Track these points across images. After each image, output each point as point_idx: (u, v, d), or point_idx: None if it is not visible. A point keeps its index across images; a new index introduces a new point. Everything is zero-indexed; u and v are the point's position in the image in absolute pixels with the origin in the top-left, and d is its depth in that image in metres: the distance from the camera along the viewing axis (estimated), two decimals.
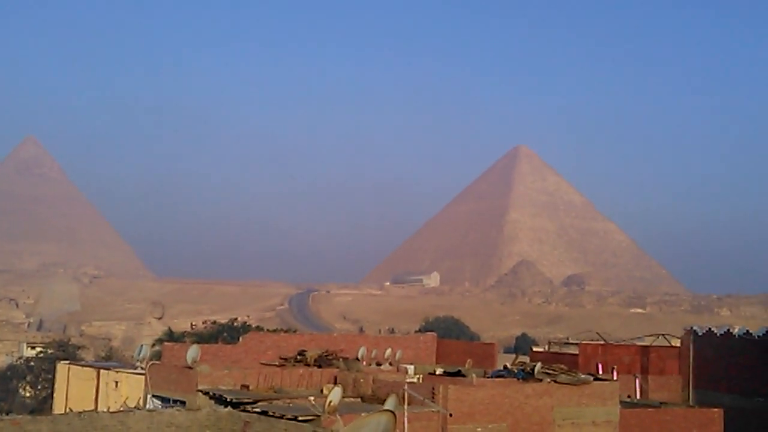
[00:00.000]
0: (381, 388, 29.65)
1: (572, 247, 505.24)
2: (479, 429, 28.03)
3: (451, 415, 27.35)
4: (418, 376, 37.47)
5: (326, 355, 38.58)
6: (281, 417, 23.00)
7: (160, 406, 30.60)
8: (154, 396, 32.28)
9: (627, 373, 42.55)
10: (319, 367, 36.14)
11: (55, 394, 47.55)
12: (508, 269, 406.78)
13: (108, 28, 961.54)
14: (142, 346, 36.11)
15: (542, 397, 29.96)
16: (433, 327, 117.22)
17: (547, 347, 54.29)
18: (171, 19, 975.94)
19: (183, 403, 30.08)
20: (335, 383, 31.04)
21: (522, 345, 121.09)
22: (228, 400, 27.74)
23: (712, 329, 43.34)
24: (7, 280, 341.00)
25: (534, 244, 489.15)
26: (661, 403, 37.10)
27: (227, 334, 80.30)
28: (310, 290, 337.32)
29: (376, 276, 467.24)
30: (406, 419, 24.92)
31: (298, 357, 38.82)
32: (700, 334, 43.21)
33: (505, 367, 36.54)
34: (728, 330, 42.78)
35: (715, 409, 34.01)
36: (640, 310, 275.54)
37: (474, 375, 32.95)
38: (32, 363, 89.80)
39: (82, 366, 47.44)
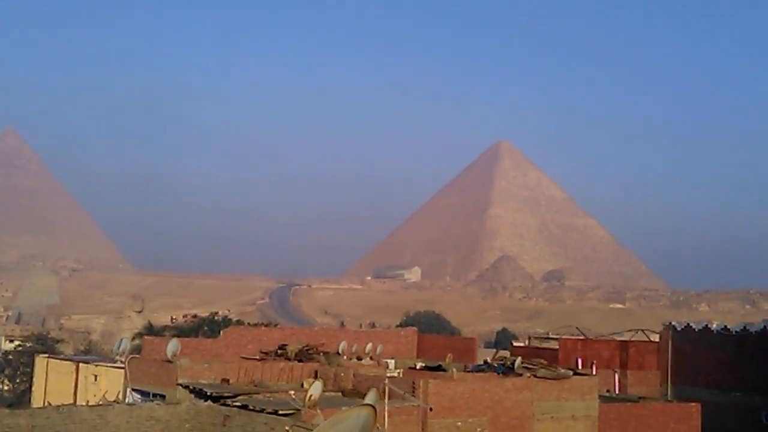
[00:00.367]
0: (361, 383, 29.67)
1: (553, 242, 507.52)
2: (459, 423, 28.11)
3: (431, 409, 27.42)
4: (398, 370, 37.57)
5: (307, 350, 38.55)
6: (261, 411, 22.97)
7: (139, 400, 30.49)
8: (133, 390, 32.14)
9: (606, 367, 42.85)
10: (300, 361, 36.12)
11: (33, 388, 47.23)
12: (489, 264, 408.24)
13: (88, 20, 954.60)
14: (121, 339, 35.97)
15: (522, 391, 30.09)
16: (413, 321, 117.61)
17: (527, 342, 54.63)
18: (152, 11, 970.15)
19: (163, 397, 29.98)
20: (316, 377, 31.02)
21: (502, 339, 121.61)
22: (208, 394, 27.67)
23: (691, 324, 43.67)
24: None
25: (515, 239, 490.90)
26: (639, 397, 37.38)
27: (207, 327, 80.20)
28: (291, 284, 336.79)
29: (357, 270, 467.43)
30: (386, 413, 24.95)
31: (279, 351, 38.78)
32: (678, 329, 43.54)
33: (485, 361, 36.67)
34: (706, 325, 43.13)
35: (693, 404, 34.26)
36: (619, 306, 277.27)
37: (454, 369, 33.03)
38: (10, 356, 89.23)
39: (61, 359, 47.16)
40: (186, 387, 29.62)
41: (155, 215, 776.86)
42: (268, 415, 22.22)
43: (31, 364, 53.32)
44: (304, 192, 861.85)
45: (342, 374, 31.56)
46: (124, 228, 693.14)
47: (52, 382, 43.59)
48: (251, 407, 23.91)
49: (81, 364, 42.30)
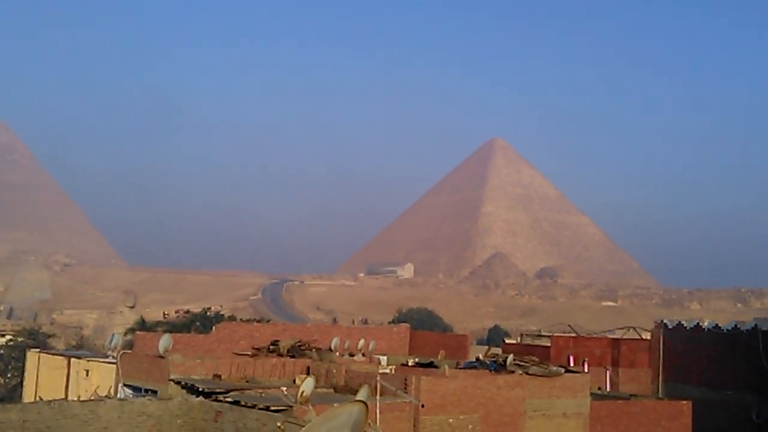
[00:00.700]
0: (354, 379, 29.68)
1: (546, 240, 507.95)
2: (451, 420, 28.14)
3: (423, 405, 27.44)
4: (390, 367, 37.55)
5: (299, 346, 38.55)
6: (253, 407, 22.96)
7: (131, 396, 30.45)
8: (125, 385, 32.10)
9: (598, 365, 42.94)
10: (292, 357, 36.10)
11: (24, 383, 47.11)
12: (481, 261, 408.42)
13: (82, 14, 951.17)
14: (113, 334, 35.91)
15: (514, 388, 30.13)
16: (406, 318, 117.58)
17: (519, 339, 54.61)
18: (149, 7, 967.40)
19: (155, 392, 29.94)
20: (308, 374, 31.01)
21: (494, 337, 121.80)
22: (200, 389, 27.64)
23: (682, 323, 43.78)
24: None
25: (508, 237, 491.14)
26: (631, 395, 37.45)
27: (200, 323, 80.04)
28: (284, 280, 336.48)
29: (350, 267, 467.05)
30: (378, 410, 24.96)
31: (271, 347, 38.76)
32: (670, 327, 43.64)
33: (477, 358, 36.75)
34: (698, 323, 43.24)
35: (684, 402, 34.37)
36: (611, 303, 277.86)
37: (446, 366, 33.08)
38: (2, 351, 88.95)
39: (53, 354, 47.01)
40: (178, 382, 29.58)
41: (148, 211, 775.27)
42: (260, 411, 22.22)
43: (23, 359, 53.17)
44: (298, 188, 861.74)
45: (334, 370, 31.56)
46: (116, 223, 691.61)
47: (44, 377, 43.49)
48: (243, 403, 23.89)
49: (72, 359, 42.19)
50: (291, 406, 23.28)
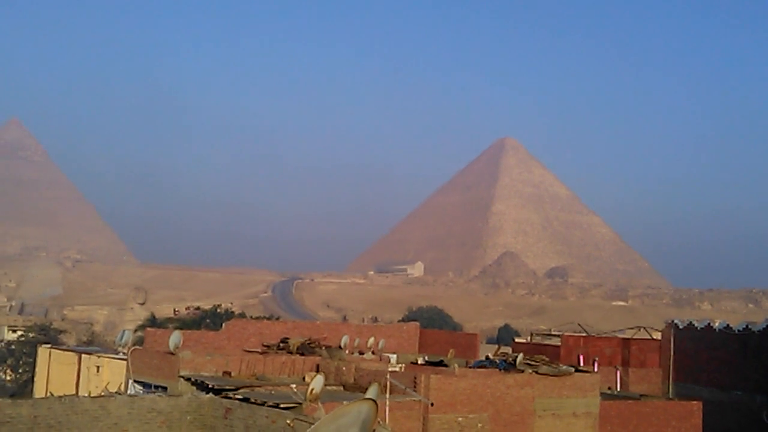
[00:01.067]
0: (363, 377, 29.70)
1: (556, 240, 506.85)
2: (460, 418, 28.13)
3: (432, 404, 27.44)
4: (400, 365, 37.58)
5: (309, 343, 38.61)
6: (263, 404, 22.99)
7: (141, 392, 30.56)
8: (135, 381, 32.22)
9: (608, 365, 42.85)
10: (302, 354, 36.16)
11: (36, 378, 47.36)
12: (492, 260, 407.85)
13: (92, 12, 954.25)
14: (124, 331, 36.02)
15: (523, 387, 30.10)
16: (416, 317, 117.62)
17: (529, 338, 54.53)
18: (155, 5, 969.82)
19: (164, 388, 30.04)
20: (317, 371, 31.06)
21: (504, 336, 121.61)
22: (210, 386, 27.71)
23: (693, 323, 43.65)
24: None
25: (518, 236, 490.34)
26: (641, 395, 37.38)
27: (210, 320, 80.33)
28: (294, 278, 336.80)
29: (360, 265, 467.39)
30: (387, 408, 24.97)
31: (281, 344, 38.84)
32: (680, 327, 43.52)
33: (487, 357, 36.70)
34: (709, 324, 43.10)
35: (694, 402, 34.27)
36: (622, 303, 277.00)
37: (456, 365, 33.08)
38: (13, 346, 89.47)
39: (64, 350, 47.27)
40: (188, 379, 29.67)
41: (159, 208, 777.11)
42: (269, 408, 22.24)
43: (34, 355, 53.44)
44: (308, 186, 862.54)
45: (344, 368, 31.59)
46: (127, 220, 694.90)
47: (55, 372, 43.70)
48: (253, 400, 23.93)
49: (83, 355, 42.40)
50: (300, 404, 23.30)
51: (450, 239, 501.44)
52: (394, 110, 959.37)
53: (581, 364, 40.59)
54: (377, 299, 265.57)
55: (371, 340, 43.60)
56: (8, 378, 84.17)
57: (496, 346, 52.34)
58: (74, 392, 38.20)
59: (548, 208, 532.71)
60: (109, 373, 38.86)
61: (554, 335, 52.42)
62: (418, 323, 54.32)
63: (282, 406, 22.90)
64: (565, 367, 32.89)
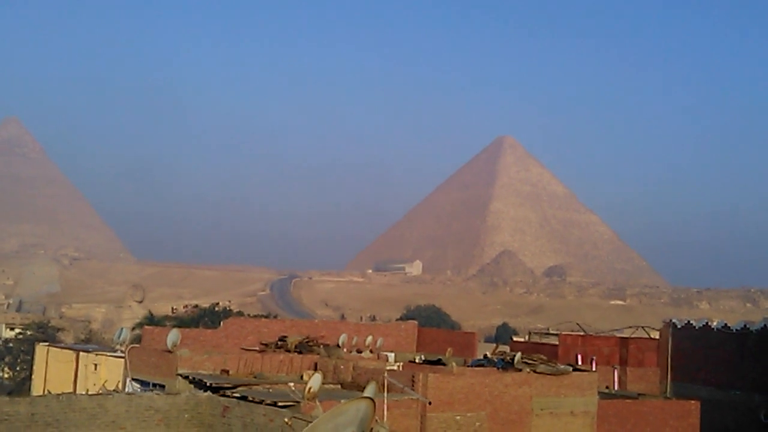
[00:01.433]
0: (361, 375, 29.69)
1: (554, 238, 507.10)
2: (458, 417, 28.13)
3: (430, 403, 27.44)
4: (398, 363, 37.56)
5: (307, 342, 38.58)
6: (261, 402, 22.99)
7: (139, 390, 30.52)
8: (133, 379, 32.18)
9: (606, 364, 42.85)
10: (300, 353, 36.14)
11: (33, 376, 47.36)
12: (490, 259, 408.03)
13: (92, 10, 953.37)
14: (122, 329, 35.98)
15: (521, 386, 30.10)
16: (414, 315, 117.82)
17: (527, 337, 54.56)
18: (153, 3, 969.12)
19: (162, 386, 30.02)
20: (315, 370, 31.05)
21: (502, 334, 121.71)
22: (208, 384, 27.70)
23: (691, 322, 43.68)
24: None
25: (516, 235, 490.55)
26: (639, 394, 37.37)
27: (208, 318, 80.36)
28: (292, 276, 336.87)
29: (358, 263, 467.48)
30: (385, 406, 24.95)
31: (279, 343, 38.80)
32: (678, 326, 43.54)
33: (485, 356, 36.67)
34: (707, 323, 43.12)
35: (692, 402, 34.27)
36: (620, 302, 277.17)
37: (454, 363, 33.04)
38: (11, 344, 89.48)
39: (62, 348, 47.29)
40: (186, 377, 29.66)
41: (157, 205, 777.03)
42: (267, 406, 22.23)
43: (32, 352, 53.48)
44: (306, 184, 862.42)
45: (342, 367, 31.58)
46: (125, 218, 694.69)
47: (52, 370, 43.69)
48: (251, 398, 23.93)
49: (81, 353, 42.41)
50: (298, 402, 23.30)
51: (448, 238, 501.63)
52: (393, 109, 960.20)
53: (579, 363, 40.58)
54: (375, 298, 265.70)
55: (369, 338, 43.57)
56: (6, 376, 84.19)
57: (494, 345, 52.35)
58: (72, 390, 38.18)
59: (546, 207, 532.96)
60: (106, 371, 38.85)
61: (552, 334, 52.45)
62: (416, 322, 54.27)
63: (280, 404, 22.89)
64: (563, 366, 32.89)
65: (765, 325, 40.23)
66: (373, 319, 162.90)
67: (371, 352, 42.25)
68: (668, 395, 40.56)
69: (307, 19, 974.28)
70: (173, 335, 32.26)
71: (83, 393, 28.41)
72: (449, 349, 42.29)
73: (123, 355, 33.75)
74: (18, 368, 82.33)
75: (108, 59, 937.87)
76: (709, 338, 41.65)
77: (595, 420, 31.53)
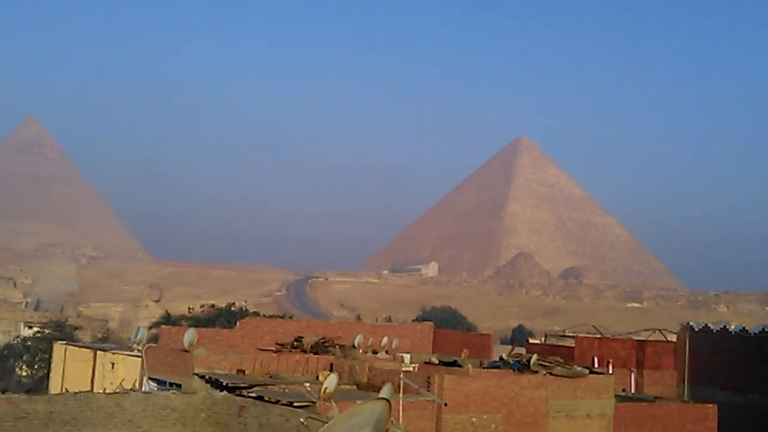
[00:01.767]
0: (377, 376, 29.69)
1: (570, 240, 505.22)
2: (474, 419, 28.08)
3: (446, 404, 27.39)
4: (414, 365, 37.50)
5: (323, 342, 38.64)
6: (276, 402, 23.03)
7: (155, 389, 30.65)
8: (150, 378, 32.33)
9: (622, 367, 42.61)
10: (316, 353, 36.19)
11: (51, 374, 47.58)
12: (506, 260, 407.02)
13: (109, 11, 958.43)
14: (139, 328, 36.17)
15: (537, 388, 30.01)
16: (430, 316, 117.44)
17: (543, 339, 54.34)
18: (171, 3, 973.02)
19: (179, 386, 30.13)
20: (331, 370, 31.06)
21: (518, 337, 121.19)
22: (224, 384, 27.78)
23: (709, 325, 43.40)
24: (6, 259, 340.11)
25: (532, 236, 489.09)
26: (655, 397, 37.18)
27: (224, 318, 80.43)
28: (309, 277, 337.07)
29: (374, 264, 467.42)
30: (401, 407, 24.94)
31: (295, 343, 38.88)
32: (696, 329, 43.27)
33: (501, 358, 36.64)
34: (725, 326, 42.84)
35: (710, 405, 34.06)
36: (636, 305, 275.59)
37: (470, 365, 33.03)
38: (29, 343, 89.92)
39: (79, 347, 47.47)
40: (202, 377, 29.76)
41: (174, 206, 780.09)
42: (283, 406, 22.27)
43: (50, 351, 53.72)
44: (323, 185, 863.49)
45: (357, 367, 31.59)
46: (143, 217, 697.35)
47: (70, 369, 43.91)
48: (266, 398, 23.97)
49: (98, 352, 42.59)
50: (314, 402, 23.31)
51: (464, 239, 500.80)
52: (410, 110, 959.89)
53: (595, 365, 40.40)
54: (391, 299, 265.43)
55: (385, 339, 43.57)
56: (24, 374, 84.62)
57: (510, 347, 52.24)
58: (89, 389, 38.34)
59: (562, 209, 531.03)
60: (123, 370, 39.02)
61: (568, 336, 52.21)
62: (431, 323, 54.19)
63: (296, 404, 22.93)
64: (579, 368, 32.77)
65: None
66: (389, 320, 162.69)
67: (387, 353, 42.26)
68: (685, 399, 40.31)
69: (327, 21, 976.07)
70: (190, 335, 32.38)
71: (100, 392, 28.55)
72: (465, 351, 42.23)
73: (140, 354, 33.90)
74: (36, 367, 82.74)
75: (127, 61, 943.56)
76: (727, 341, 41.37)
77: (612, 423, 31.39)
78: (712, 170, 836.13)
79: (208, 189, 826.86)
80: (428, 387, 27.65)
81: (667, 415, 33.04)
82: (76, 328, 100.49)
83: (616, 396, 33.02)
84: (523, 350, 44.95)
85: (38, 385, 70.03)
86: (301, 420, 19.88)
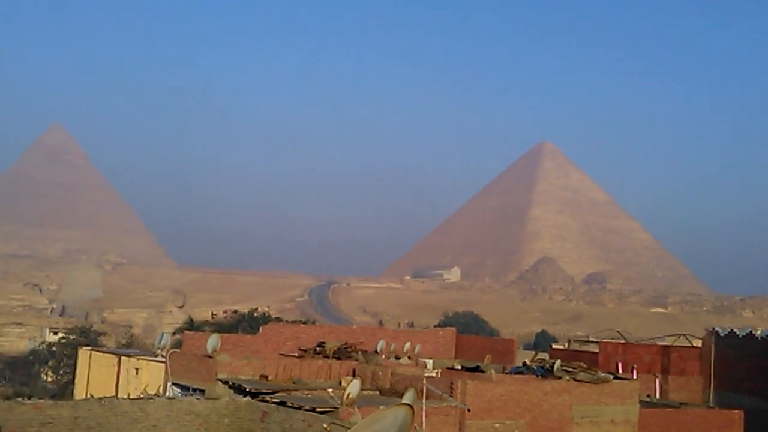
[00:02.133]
0: (399, 382, 29.66)
1: (594, 245, 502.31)
2: (497, 425, 27.99)
3: (469, 410, 27.33)
4: (436, 370, 37.46)
5: (345, 348, 38.64)
6: (299, 408, 23.06)
7: (179, 394, 30.78)
8: (173, 384, 32.46)
9: (647, 372, 42.35)
10: (338, 359, 36.21)
11: (76, 380, 48.00)
12: (529, 266, 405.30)
13: (132, 18, 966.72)
14: (162, 334, 36.33)
15: (561, 394, 29.87)
16: (452, 322, 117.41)
17: (567, 345, 54.12)
18: (191, 8, 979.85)
19: (202, 391, 30.24)
20: (354, 376, 31.08)
21: (542, 342, 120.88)
22: (247, 389, 27.87)
23: (735, 330, 43.03)
24: (31, 265, 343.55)
25: (556, 241, 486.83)
26: (680, 403, 36.90)
27: (247, 324, 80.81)
28: (331, 282, 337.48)
29: (396, 269, 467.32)
30: (424, 413, 24.91)
31: (318, 349, 38.91)
32: (722, 335, 42.91)
33: (524, 363, 36.43)
34: (751, 332, 42.45)
35: (736, 411, 33.77)
36: (661, 310, 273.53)
37: (493, 371, 32.88)
38: (54, 348, 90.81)
39: (104, 352, 47.83)
40: (225, 382, 29.86)
41: (198, 212, 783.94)
42: (306, 412, 22.30)
43: (75, 357, 54.16)
44: (346, 191, 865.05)
45: (380, 373, 31.57)
46: (167, 224, 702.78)
47: (95, 374, 44.25)
48: (289, 404, 24.01)
49: (123, 358, 42.89)
50: (337, 408, 23.34)
51: (487, 244, 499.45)
52: (432, 115, 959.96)
53: (620, 371, 40.17)
54: (413, 304, 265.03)
55: (407, 345, 43.52)
56: (49, 379, 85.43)
57: (534, 353, 52.00)
58: (114, 394, 38.62)
59: (586, 213, 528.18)
60: (147, 376, 39.26)
61: (592, 342, 51.99)
62: (454, 329, 54.10)
63: (318, 410, 22.96)
64: (603, 374, 32.58)
65: None
66: (412, 325, 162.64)
67: (409, 358, 42.20)
68: (711, 404, 39.99)
69: (346, 27, 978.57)
70: (213, 340, 32.49)
71: (125, 397, 28.76)
72: (488, 356, 42.09)
73: (164, 359, 34.06)
74: (61, 372, 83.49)
75: (152, 66, 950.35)
76: (753, 347, 40.98)
77: (636, 429, 31.19)
78: (738, 174, 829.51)
79: (231, 195, 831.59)
80: (451, 392, 27.59)
81: (692, 421, 32.78)
82: (101, 334, 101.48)
83: (641, 402, 32.80)
84: (546, 356, 44.73)
85: (63, 390, 70.63)
86: (324, 425, 19.90)
